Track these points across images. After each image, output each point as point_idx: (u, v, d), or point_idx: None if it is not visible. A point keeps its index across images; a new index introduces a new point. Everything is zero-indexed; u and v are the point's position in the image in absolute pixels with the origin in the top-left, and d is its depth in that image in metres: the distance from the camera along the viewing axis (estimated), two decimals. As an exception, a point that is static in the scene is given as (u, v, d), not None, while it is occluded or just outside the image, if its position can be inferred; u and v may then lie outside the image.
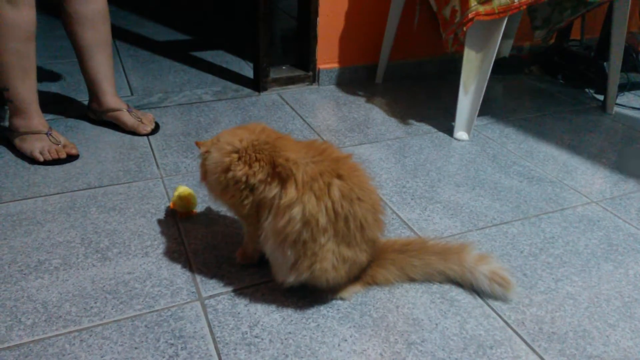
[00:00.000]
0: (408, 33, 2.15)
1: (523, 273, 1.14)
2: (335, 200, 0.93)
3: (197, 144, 1.07)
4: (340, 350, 0.94)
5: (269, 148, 0.98)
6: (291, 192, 0.94)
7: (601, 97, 2.05)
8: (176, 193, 1.27)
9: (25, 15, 1.34)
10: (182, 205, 1.27)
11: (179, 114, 1.85)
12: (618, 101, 2.01)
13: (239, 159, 0.98)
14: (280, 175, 0.95)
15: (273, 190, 0.96)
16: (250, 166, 0.97)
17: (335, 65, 2.15)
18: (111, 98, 1.65)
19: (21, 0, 1.32)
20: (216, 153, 1.01)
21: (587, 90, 2.17)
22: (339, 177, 0.95)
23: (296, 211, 0.93)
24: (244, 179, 0.98)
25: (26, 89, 1.44)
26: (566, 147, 1.71)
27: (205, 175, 1.05)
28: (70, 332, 0.96)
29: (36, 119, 1.50)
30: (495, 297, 1.06)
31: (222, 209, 1.29)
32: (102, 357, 0.91)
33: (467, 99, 1.71)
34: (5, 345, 0.93)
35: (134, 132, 1.67)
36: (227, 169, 0.99)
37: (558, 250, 1.22)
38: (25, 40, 1.37)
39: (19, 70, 1.40)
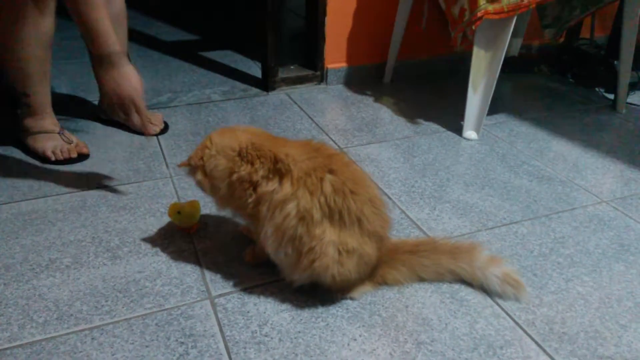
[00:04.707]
0: (416, 32, 2.14)
1: (533, 273, 1.13)
2: (327, 194, 0.95)
3: (188, 162, 1.08)
4: (350, 350, 0.94)
5: (269, 145, 1.01)
6: (286, 187, 0.96)
7: (611, 96, 2.03)
8: (174, 212, 1.21)
9: (49, 23, 1.37)
10: (186, 220, 1.22)
11: (187, 113, 1.86)
12: (628, 100, 2.00)
13: (241, 159, 1.01)
14: (279, 171, 0.97)
15: (272, 185, 0.98)
16: (252, 164, 1.00)
17: (344, 65, 2.15)
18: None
19: (49, 9, 1.34)
20: (223, 160, 1.02)
21: (597, 89, 2.16)
22: (331, 171, 0.97)
23: (291, 207, 0.95)
24: (247, 177, 1.00)
25: (43, 93, 1.47)
26: (576, 146, 1.70)
27: (211, 185, 1.05)
28: (81, 330, 0.97)
29: (48, 119, 1.51)
30: (506, 298, 1.05)
31: (228, 214, 1.25)
32: (113, 355, 0.92)
33: (476, 98, 1.70)
34: (18, 343, 0.94)
35: (143, 132, 1.68)
36: (233, 172, 1.01)
37: (568, 250, 1.21)
38: (47, 46, 1.40)
39: (40, 75, 1.44)
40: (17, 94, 1.46)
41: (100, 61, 1.21)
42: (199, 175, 1.06)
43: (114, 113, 1.25)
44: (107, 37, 1.20)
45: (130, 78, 1.21)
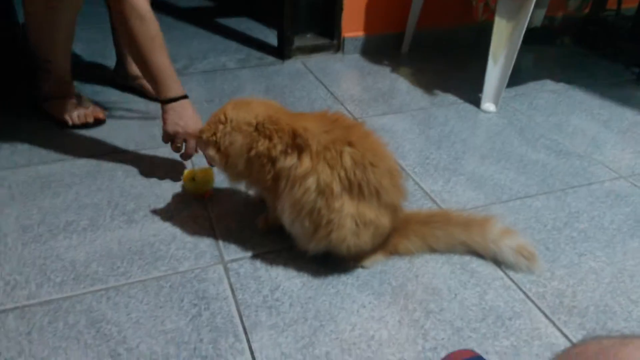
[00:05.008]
0: (436, 1, 2.09)
1: (546, 247, 1.13)
2: (347, 168, 0.94)
3: (200, 134, 1.06)
4: (359, 316, 0.95)
5: (286, 119, 1.00)
6: (306, 162, 0.95)
7: (637, 70, 1.97)
8: (188, 179, 1.22)
9: (79, 1, 1.38)
10: (200, 187, 1.23)
11: (202, 81, 1.85)
12: (654, 74, 1.94)
13: (259, 134, 0.99)
14: (298, 145, 0.96)
15: (291, 161, 0.97)
16: (270, 139, 0.98)
17: (361, 34, 2.11)
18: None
19: None
20: (239, 136, 1.01)
21: (622, 62, 2.09)
22: (350, 144, 0.95)
23: (311, 181, 0.95)
24: (266, 152, 0.99)
25: (65, 60, 1.49)
26: (597, 121, 1.67)
27: (226, 161, 1.04)
28: (97, 290, 0.99)
29: (67, 85, 1.53)
30: (519, 270, 1.05)
31: (240, 187, 1.25)
32: (127, 314, 0.94)
33: (495, 70, 1.66)
34: (36, 300, 0.97)
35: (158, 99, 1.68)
36: (250, 148, 1.00)
37: (583, 225, 1.20)
38: (74, 18, 1.42)
39: (64, 43, 1.46)
40: (39, 60, 1.47)
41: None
42: (211, 151, 1.05)
43: (168, 139, 1.28)
44: (171, 83, 1.23)
45: (190, 112, 1.25)
